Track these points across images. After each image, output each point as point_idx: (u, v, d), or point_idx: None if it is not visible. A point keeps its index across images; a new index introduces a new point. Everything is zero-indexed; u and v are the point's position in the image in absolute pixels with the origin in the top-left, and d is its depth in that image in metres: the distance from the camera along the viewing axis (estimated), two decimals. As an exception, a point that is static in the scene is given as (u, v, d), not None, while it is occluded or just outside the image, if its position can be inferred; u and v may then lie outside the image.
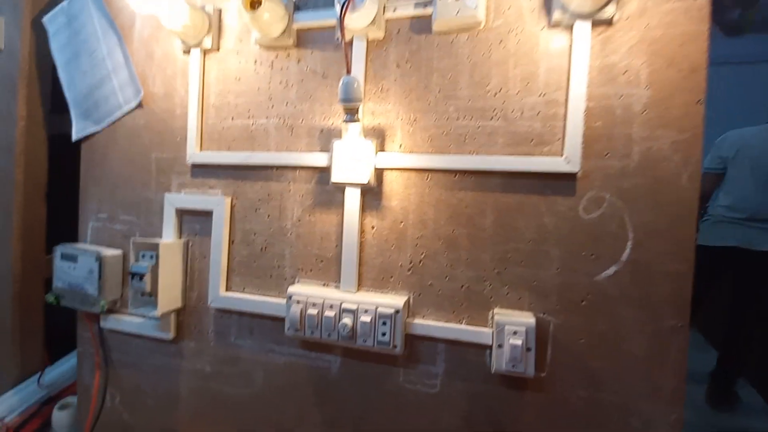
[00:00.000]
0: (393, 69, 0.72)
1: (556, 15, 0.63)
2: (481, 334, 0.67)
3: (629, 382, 0.63)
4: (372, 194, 0.73)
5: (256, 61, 0.80)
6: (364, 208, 0.74)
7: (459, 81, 0.69)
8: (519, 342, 0.62)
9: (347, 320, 0.69)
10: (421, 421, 0.72)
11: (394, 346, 0.68)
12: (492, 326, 0.67)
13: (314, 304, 0.71)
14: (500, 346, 0.64)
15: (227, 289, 0.82)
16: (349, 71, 0.65)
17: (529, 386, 0.67)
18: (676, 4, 0.60)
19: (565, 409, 0.65)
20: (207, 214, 0.82)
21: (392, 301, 0.70)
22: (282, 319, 0.78)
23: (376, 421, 0.74)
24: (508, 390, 0.67)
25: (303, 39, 0.77)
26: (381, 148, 0.73)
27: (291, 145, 0.78)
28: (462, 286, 0.70)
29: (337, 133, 0.75)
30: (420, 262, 0.71)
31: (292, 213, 0.78)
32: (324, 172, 0.76)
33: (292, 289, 0.74)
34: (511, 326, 0.63)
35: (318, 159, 0.75)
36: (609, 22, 0.62)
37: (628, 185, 0.62)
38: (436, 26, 0.69)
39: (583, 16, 0.62)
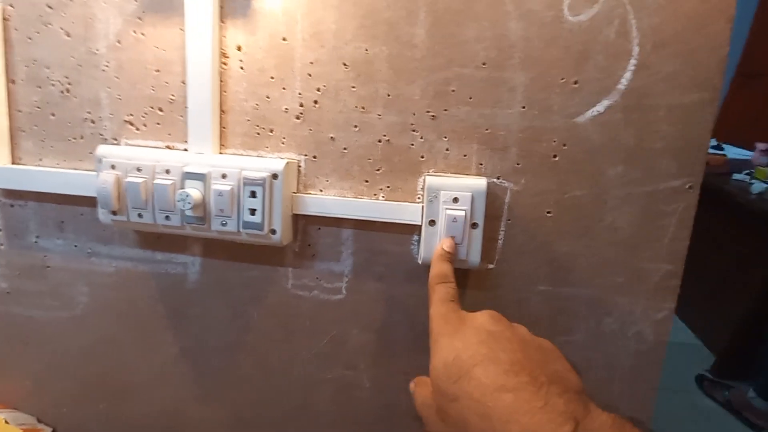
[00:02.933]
0: None
1: None
2: (407, 209, 0.44)
3: (607, 270, 0.44)
4: (235, -11, 0.44)
5: None
6: (223, 16, 0.44)
7: None
8: (461, 212, 0.40)
9: (193, 190, 0.42)
10: (320, 339, 0.50)
11: (272, 231, 0.44)
12: (422, 198, 0.44)
13: (139, 169, 0.44)
14: (432, 222, 0.42)
15: (15, 160, 0.51)
16: None
17: (471, 282, 0.46)
18: None
19: (520, 311, 0.46)
20: (-40, 32, 0.48)
21: (265, 161, 0.44)
22: (104, 203, 0.50)
23: (255, 346, 0.51)
24: (443, 290, 0.46)
25: None
26: None
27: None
28: (379, 140, 0.45)
29: None
30: (315, 103, 0.45)
31: (105, 27, 0.47)
32: (152, -50, 0.44)
33: (103, 149, 0.45)
34: (448, 192, 0.41)
35: None
36: None
37: (640, -35, 0.39)
38: None
39: None
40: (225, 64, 0.46)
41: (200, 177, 0.43)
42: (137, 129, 0.49)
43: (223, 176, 0.42)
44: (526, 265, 0.45)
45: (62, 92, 0.49)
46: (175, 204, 0.43)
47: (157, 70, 0.47)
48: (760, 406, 1.79)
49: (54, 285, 0.54)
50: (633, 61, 0.40)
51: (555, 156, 0.43)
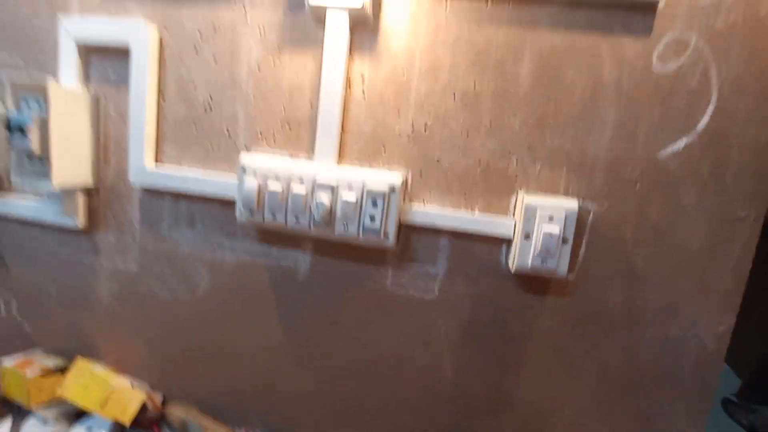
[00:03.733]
0: None
1: None
2: (500, 224, 0.52)
3: (675, 284, 0.51)
4: (365, 29, 0.52)
5: None
6: (352, 50, 0.52)
7: None
8: (555, 230, 0.47)
9: (323, 198, 0.50)
10: (412, 333, 0.58)
11: (386, 235, 0.51)
12: (515, 213, 0.51)
13: (278, 178, 0.52)
14: (527, 236, 0.49)
15: (157, 161, 0.60)
16: None
17: (552, 289, 0.53)
18: None
19: (596, 318, 0.53)
20: (123, 53, 0.58)
21: (385, 174, 0.51)
22: (233, 204, 0.58)
23: (354, 337, 0.59)
24: (527, 295, 0.53)
25: None
26: (382, -43, 0.50)
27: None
28: (479, 161, 0.52)
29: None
30: (425, 128, 0.53)
31: (248, 55, 0.55)
32: (296, -7, 0.53)
33: (246, 158, 0.54)
34: (545, 210, 0.47)
35: (288, -31, 0.52)
36: None
37: (722, 24, 0.45)
38: None
39: None
40: (350, 91, 0.53)
41: (329, 188, 0.51)
42: (267, 141, 0.57)
43: (349, 187, 0.50)
44: (602, 276, 0.52)
45: (205, 108, 0.58)
46: (306, 209, 0.51)
47: (290, 93, 0.55)
48: (787, 430, 1.79)
49: (179, 269, 0.63)
50: (711, 107, 0.47)
51: (637, 183, 0.49)
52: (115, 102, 0.60)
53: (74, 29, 0.58)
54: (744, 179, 0.47)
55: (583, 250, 0.51)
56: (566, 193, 0.51)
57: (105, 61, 0.59)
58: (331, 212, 0.51)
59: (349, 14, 0.50)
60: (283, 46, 0.54)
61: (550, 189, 0.51)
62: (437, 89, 0.52)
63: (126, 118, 0.60)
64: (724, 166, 0.48)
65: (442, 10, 0.50)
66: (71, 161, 0.58)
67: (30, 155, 0.55)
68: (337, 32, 0.51)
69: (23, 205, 0.65)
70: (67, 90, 0.56)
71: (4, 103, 0.60)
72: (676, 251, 0.50)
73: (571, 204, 0.48)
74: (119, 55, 0.58)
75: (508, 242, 0.52)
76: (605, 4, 0.46)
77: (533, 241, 0.48)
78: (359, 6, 0.49)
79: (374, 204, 0.50)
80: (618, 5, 0.46)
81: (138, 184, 0.60)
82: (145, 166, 0.59)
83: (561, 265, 0.48)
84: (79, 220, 0.63)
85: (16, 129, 0.53)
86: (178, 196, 0.61)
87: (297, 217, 0.52)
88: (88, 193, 0.63)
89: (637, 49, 0.47)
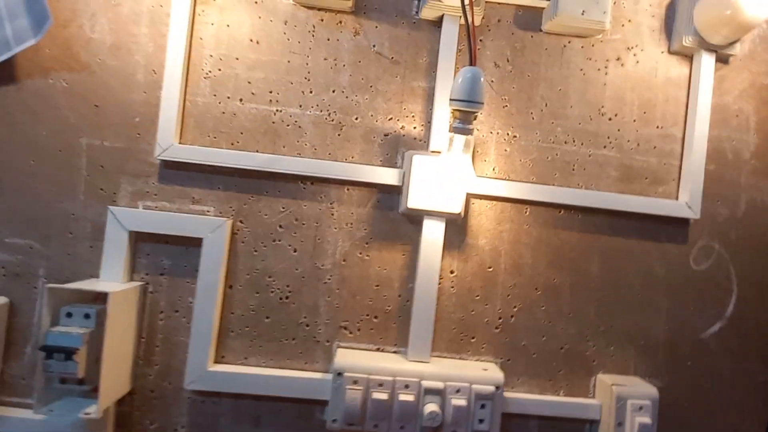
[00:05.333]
0: (490, 68, 0.56)
1: (680, 41, 0.56)
2: (586, 406, 0.55)
3: (726, 447, 0.58)
4: (454, 229, 0.55)
5: (287, 22, 0.54)
6: (445, 245, 0.55)
7: (569, 96, 0.57)
8: (647, 419, 0.52)
9: (434, 406, 0.49)
10: None
11: (491, 434, 0.51)
12: (595, 395, 0.56)
13: (381, 384, 0.50)
14: (620, 424, 0.53)
15: (217, 359, 0.54)
16: (474, 61, 0.46)
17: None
18: (782, 53, 0.59)
19: (672, 487, 0.57)
20: (188, 243, 0.53)
21: (488, 373, 0.53)
22: (311, 402, 0.53)
23: None
24: (610, 470, 0.57)
25: (366, 3, 0.55)
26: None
27: (338, 151, 0.55)
28: (562, 347, 0.57)
29: (407, 142, 0.56)
30: (511, 317, 0.56)
31: (334, 248, 0.55)
32: (388, 192, 0.55)
33: (341, 361, 0.51)
34: (635, 401, 0.53)
35: (384, 174, 0.54)
36: (727, 60, 0.58)
37: (734, 235, 0.58)
38: (549, 25, 0.55)
39: (708, 47, 0.56)
40: (440, 284, 0.55)
41: (438, 393, 0.50)
42: (350, 334, 0.55)
43: (458, 391, 0.50)
44: (668, 444, 0.58)
45: (281, 299, 0.54)
46: (416, 419, 0.49)
47: (377, 285, 0.55)
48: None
49: (235, 482, 0.54)
50: (734, 297, 0.58)
51: (688, 361, 0.58)
52: (167, 295, 0.53)
53: (129, 218, 0.51)
54: (761, 350, 0.59)
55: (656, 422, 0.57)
56: (635, 372, 0.57)
57: (160, 251, 0.53)
58: (442, 419, 0.50)
59: (446, 218, 0.53)
60: (371, 240, 0.55)
61: (622, 369, 0.57)
62: (522, 282, 0.56)
63: (182, 312, 0.53)
64: (747, 342, 0.59)
65: (523, 215, 0.56)
66: (116, 376, 0.48)
67: (65, 379, 0.45)
68: (433, 232, 0.53)
69: (22, 419, 0.51)
70: (121, 291, 0.49)
71: (39, 317, 0.49)
72: (722, 415, 0.58)
73: (653, 391, 0.54)
74: (180, 244, 0.53)
75: (591, 422, 0.56)
76: (653, 218, 0.57)
77: (625, 429, 0.52)
78: (458, 212, 0.52)
79: (482, 406, 0.50)
80: (661, 219, 0.57)
81: (194, 387, 0.52)
82: (205, 365, 0.51)
83: (649, 449, 0.53)
84: (107, 437, 0.51)
85: (58, 353, 0.44)
86: (239, 397, 0.54)
87: (402, 427, 0.49)
88: (120, 400, 0.53)
89: (678, 253, 0.58)
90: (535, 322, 0.56)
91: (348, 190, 0.55)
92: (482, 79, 0.46)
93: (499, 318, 0.56)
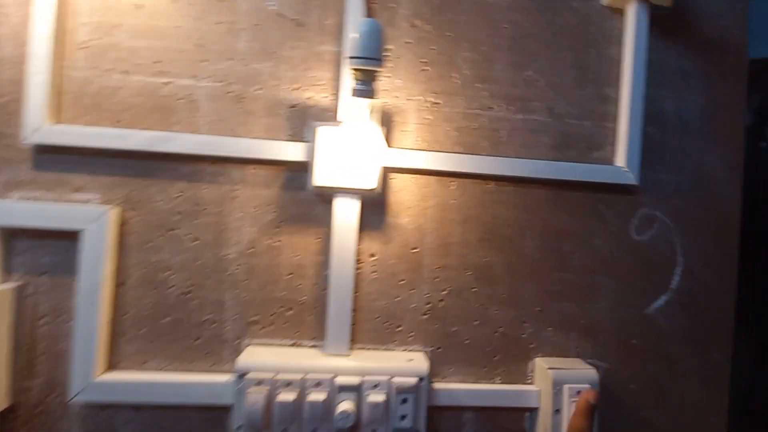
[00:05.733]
0: (405, 29, 0.51)
1: (611, -9, 0.51)
2: (524, 394, 0.51)
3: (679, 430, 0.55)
4: (373, 207, 0.50)
5: (173, -17, 0.48)
6: (362, 226, 0.50)
7: (495, 58, 0.52)
8: (586, 404, 0.47)
9: (347, 404, 0.44)
10: None
11: (417, 431, 0.47)
12: (533, 380, 0.52)
13: (289, 384, 0.44)
14: (558, 411, 0.49)
15: (110, 366, 0.48)
16: (370, 12, 0.41)
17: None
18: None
19: (620, 474, 0.54)
20: (71, 237, 0.46)
21: (411, 364, 0.48)
22: (218, 409, 0.48)
23: None
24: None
25: (261, -39, 0.49)
26: (387, 141, 0.50)
27: (239, 127, 0.49)
28: (496, 331, 0.52)
29: (316, 114, 0.50)
30: (441, 302, 0.51)
31: (239, 235, 0.49)
32: (296, 170, 0.49)
33: (245, 360, 0.45)
34: (572, 385, 0.48)
35: (290, 150, 0.48)
36: (664, 12, 0.53)
37: (678, 203, 0.54)
38: (468, -21, 0.50)
39: (642, -1, 0.51)
40: (359, 268, 0.50)
41: (353, 390, 0.45)
42: (262, 328, 0.49)
43: (376, 386, 0.45)
44: (616, 427, 0.54)
45: (181, 294, 0.48)
46: (326, 419, 0.44)
47: (290, 274, 0.50)
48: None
49: (139, 501, 0.48)
50: (679, 269, 0.54)
51: (633, 339, 0.54)
52: (49, 297, 0.47)
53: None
54: (712, 328, 0.55)
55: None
56: (576, 354, 0.53)
57: (38, 248, 0.47)
58: (357, 418, 0.45)
59: (361, 195, 0.48)
60: (281, 224, 0.49)
61: (562, 352, 0.53)
62: (451, 264, 0.51)
63: (67, 316, 0.47)
64: (695, 318, 0.55)
65: (450, 189, 0.51)
66: (-18, 391, 0.42)
67: None
68: (346, 212, 0.48)
69: None
70: (-18, 294, 0.42)
71: None
72: (673, 398, 0.55)
73: (592, 372, 0.50)
74: (61, 238, 0.47)
75: (531, 410, 0.52)
76: (591, 186, 0.52)
77: (563, 416, 0.48)
78: (373, 187, 0.47)
79: (404, 401, 0.45)
80: (602, 187, 0.53)
81: (81, 399, 0.46)
82: (91, 375, 0.45)
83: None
84: (-18, 461, 0.45)
85: None
86: (139, 408, 0.48)
87: (315, 430, 0.44)
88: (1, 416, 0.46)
89: (619, 224, 0.53)
90: (467, 306, 0.52)
91: (253, 169, 0.49)
92: (380, 32, 0.40)
93: (427, 303, 0.51)
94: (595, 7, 0.53)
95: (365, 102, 0.44)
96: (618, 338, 0.54)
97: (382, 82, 0.50)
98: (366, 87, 0.41)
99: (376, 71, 0.41)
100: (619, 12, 0.53)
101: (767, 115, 1.14)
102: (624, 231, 0.53)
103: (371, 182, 0.47)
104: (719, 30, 0.55)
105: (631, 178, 0.52)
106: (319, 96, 0.50)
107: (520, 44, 0.52)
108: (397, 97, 0.51)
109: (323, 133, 0.46)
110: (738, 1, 0.56)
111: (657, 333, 0.54)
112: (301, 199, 0.49)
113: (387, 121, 0.50)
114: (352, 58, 0.40)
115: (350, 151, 0.46)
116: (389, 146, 0.50)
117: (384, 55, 0.41)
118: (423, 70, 0.51)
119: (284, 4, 0.49)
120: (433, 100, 0.51)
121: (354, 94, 0.42)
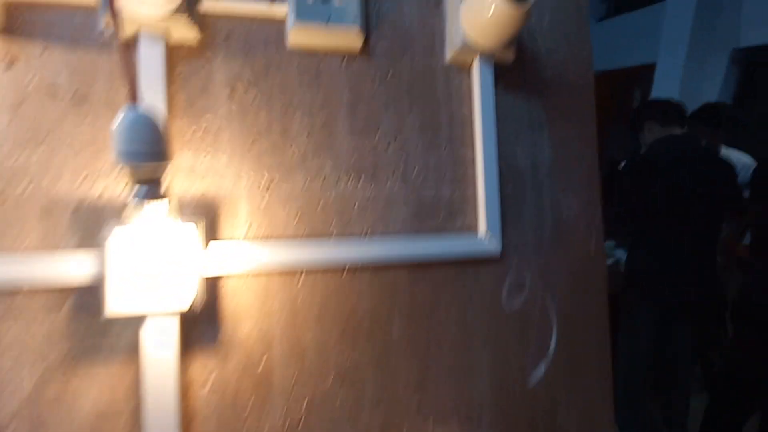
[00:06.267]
0: (224, 97, 0.42)
1: (453, 48, 0.48)
2: (408, 507, 0.44)
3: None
4: (202, 320, 0.41)
5: None
6: (186, 348, 0.40)
7: (336, 124, 0.45)
8: None
9: None
10: None
11: None
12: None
13: None
14: None
15: None
16: (134, 96, 0.32)
17: None
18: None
19: None
20: None
21: None
22: None
23: None
24: None
25: (26, 23, 0.38)
26: (212, 235, 0.41)
27: (3, 237, 0.37)
28: (370, 438, 0.45)
29: (114, 209, 0.39)
30: (301, 419, 0.43)
31: (18, 381, 0.36)
32: (89, 288, 0.38)
33: None
34: (455, 492, 0.42)
35: (73, 266, 0.37)
36: (507, 66, 0.51)
37: (543, 262, 0.52)
38: (293, 37, 0.43)
39: (485, 53, 0.48)
40: (188, 401, 0.40)
41: None
42: (58, 502, 0.37)
43: None
44: None
45: None
46: None
47: (96, 418, 0.38)
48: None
49: None
50: (555, 335, 0.52)
51: (518, 416, 0.50)
52: None
53: None
54: (591, 377, 0.53)
55: (492, 497, 0.48)
56: (463, 443, 0.48)
57: None
58: None
59: (177, 316, 0.38)
60: (76, 358, 0.38)
61: (448, 444, 0.47)
62: (307, 369, 0.43)
63: None
64: (577, 383, 0.52)
65: (296, 285, 0.43)
66: None
67: None
68: (159, 338, 0.38)
69: None
70: None
71: None
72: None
73: (476, 472, 0.44)
74: None
75: None
76: (455, 261, 0.48)
77: None
78: (187, 308, 0.37)
79: None
80: (466, 261, 0.48)
81: None
82: None
83: None
84: None
85: None
86: None
87: None
88: None
89: (490, 292, 0.49)
90: (333, 415, 0.44)
91: (26, 296, 0.37)
92: (153, 123, 0.31)
93: (285, 423, 0.42)
94: (439, 65, 0.49)
95: (158, 204, 0.34)
96: (503, 417, 0.49)
97: (201, 163, 0.41)
98: (148, 190, 0.32)
99: (158, 170, 0.32)
100: (466, 68, 0.50)
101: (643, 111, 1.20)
102: (495, 301, 0.49)
103: (184, 301, 0.37)
104: (562, 64, 0.53)
105: (495, 246, 0.48)
106: (115, 186, 0.39)
107: (360, 109, 0.46)
108: (222, 177, 0.42)
109: (117, 239, 0.36)
110: (573, 32, 0.54)
111: (540, 408, 0.51)
112: (101, 324, 0.38)
113: (210, 209, 0.41)
114: (121, 155, 0.31)
115: (154, 261, 0.36)
116: (217, 239, 0.41)
117: (164, 147, 0.32)
118: (252, 141, 0.43)
119: (58, 75, 0.39)
120: (267, 176, 0.43)
121: (135, 203, 0.32)
